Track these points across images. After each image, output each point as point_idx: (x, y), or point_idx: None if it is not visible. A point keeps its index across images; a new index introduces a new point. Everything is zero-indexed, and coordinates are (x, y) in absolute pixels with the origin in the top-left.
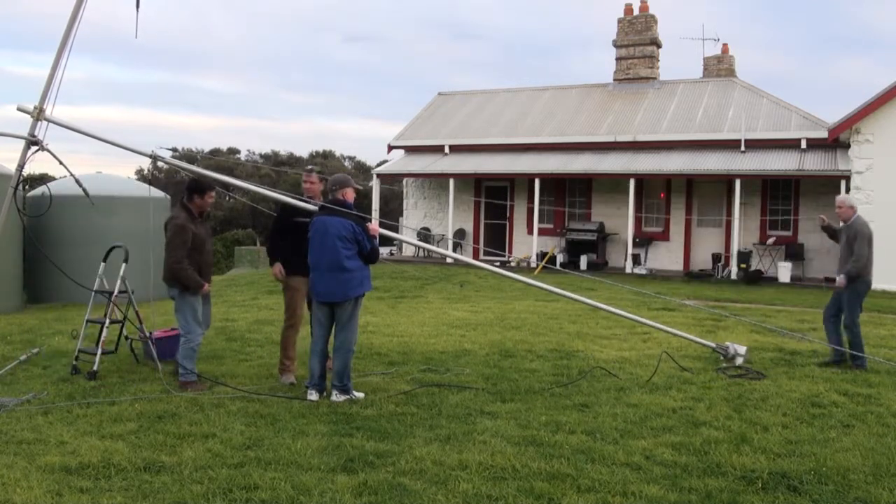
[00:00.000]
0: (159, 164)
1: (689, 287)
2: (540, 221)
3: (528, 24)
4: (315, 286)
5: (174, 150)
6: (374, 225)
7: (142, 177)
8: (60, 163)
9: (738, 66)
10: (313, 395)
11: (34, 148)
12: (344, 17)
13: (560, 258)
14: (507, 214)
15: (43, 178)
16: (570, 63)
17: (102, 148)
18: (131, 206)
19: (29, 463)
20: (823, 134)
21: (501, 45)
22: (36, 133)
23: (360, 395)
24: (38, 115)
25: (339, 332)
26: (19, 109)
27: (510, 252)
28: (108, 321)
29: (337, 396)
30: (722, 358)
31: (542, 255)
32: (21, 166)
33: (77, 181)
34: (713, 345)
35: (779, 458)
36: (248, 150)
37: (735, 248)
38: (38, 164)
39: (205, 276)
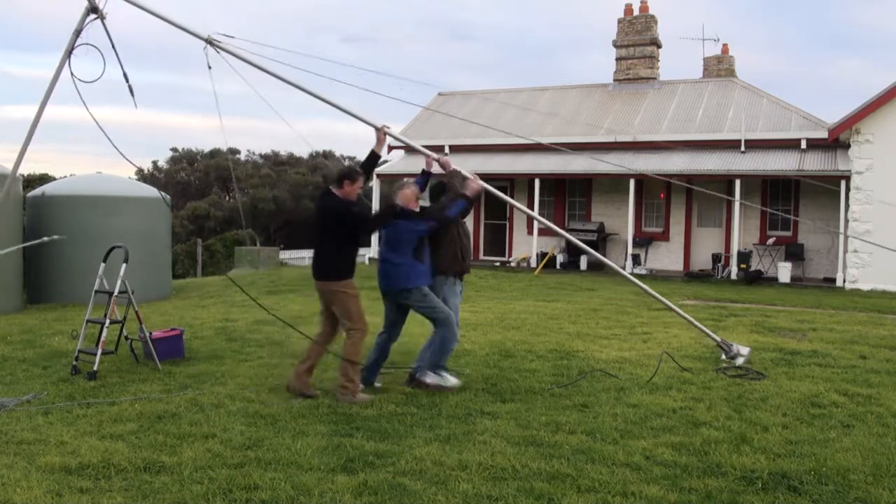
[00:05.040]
0: (160, 164)
1: (689, 287)
2: None
3: (528, 25)
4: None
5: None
6: (475, 183)
7: (142, 177)
8: (113, 47)
9: (738, 66)
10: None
11: (93, 16)
12: (342, 17)
13: (560, 258)
14: (507, 214)
15: (43, 179)
16: (569, 63)
17: (102, 149)
18: (131, 206)
19: (29, 463)
20: (823, 134)
21: (501, 45)
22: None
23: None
24: None
25: (434, 326)
26: None
27: (510, 253)
28: (108, 321)
29: (429, 377)
30: (723, 357)
31: (541, 256)
32: (78, 32)
33: (99, 127)
34: (718, 339)
35: (779, 459)
36: (248, 150)
37: (735, 248)
38: (37, 164)
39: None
